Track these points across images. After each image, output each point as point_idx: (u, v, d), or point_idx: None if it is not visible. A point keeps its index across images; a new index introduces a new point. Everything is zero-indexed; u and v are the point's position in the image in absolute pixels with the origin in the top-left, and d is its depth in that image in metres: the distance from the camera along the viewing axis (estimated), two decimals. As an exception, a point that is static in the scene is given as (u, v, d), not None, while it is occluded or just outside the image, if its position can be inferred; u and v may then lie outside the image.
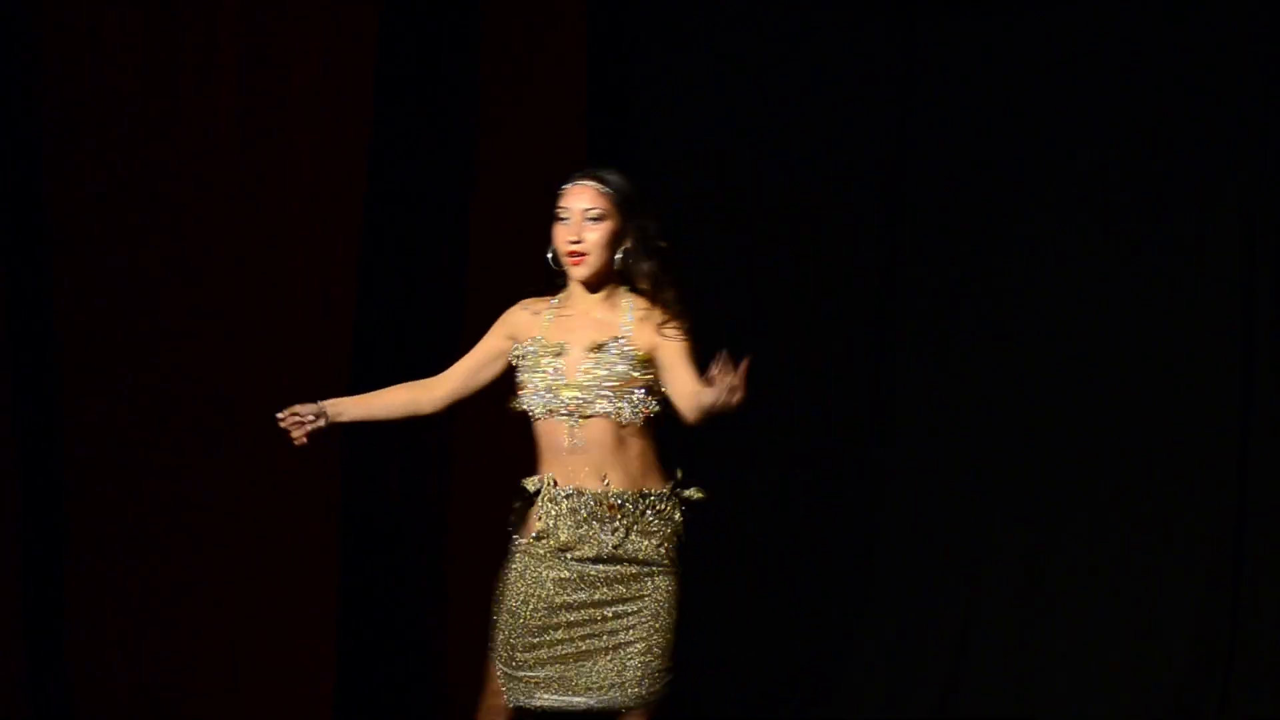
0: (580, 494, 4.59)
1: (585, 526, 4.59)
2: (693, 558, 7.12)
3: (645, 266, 4.61)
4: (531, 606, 4.64)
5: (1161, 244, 6.90)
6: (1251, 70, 6.79)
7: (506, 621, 4.69)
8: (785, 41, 7.25)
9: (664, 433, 7.06)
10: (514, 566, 4.70)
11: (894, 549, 7.22)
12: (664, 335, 4.59)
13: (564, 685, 4.62)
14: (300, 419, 4.74)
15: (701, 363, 4.54)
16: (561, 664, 4.61)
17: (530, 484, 4.68)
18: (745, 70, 7.27)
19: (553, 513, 4.62)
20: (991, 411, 7.11)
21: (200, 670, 6.37)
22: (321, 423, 4.75)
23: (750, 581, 7.24)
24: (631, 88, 7.29)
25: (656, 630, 4.60)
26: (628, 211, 4.61)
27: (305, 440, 4.74)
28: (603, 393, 4.56)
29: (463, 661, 6.88)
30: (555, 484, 4.62)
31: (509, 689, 4.69)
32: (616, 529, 4.57)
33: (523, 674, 4.65)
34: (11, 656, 6.04)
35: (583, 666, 4.60)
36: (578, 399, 4.57)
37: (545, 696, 4.63)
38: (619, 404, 4.56)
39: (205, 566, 6.37)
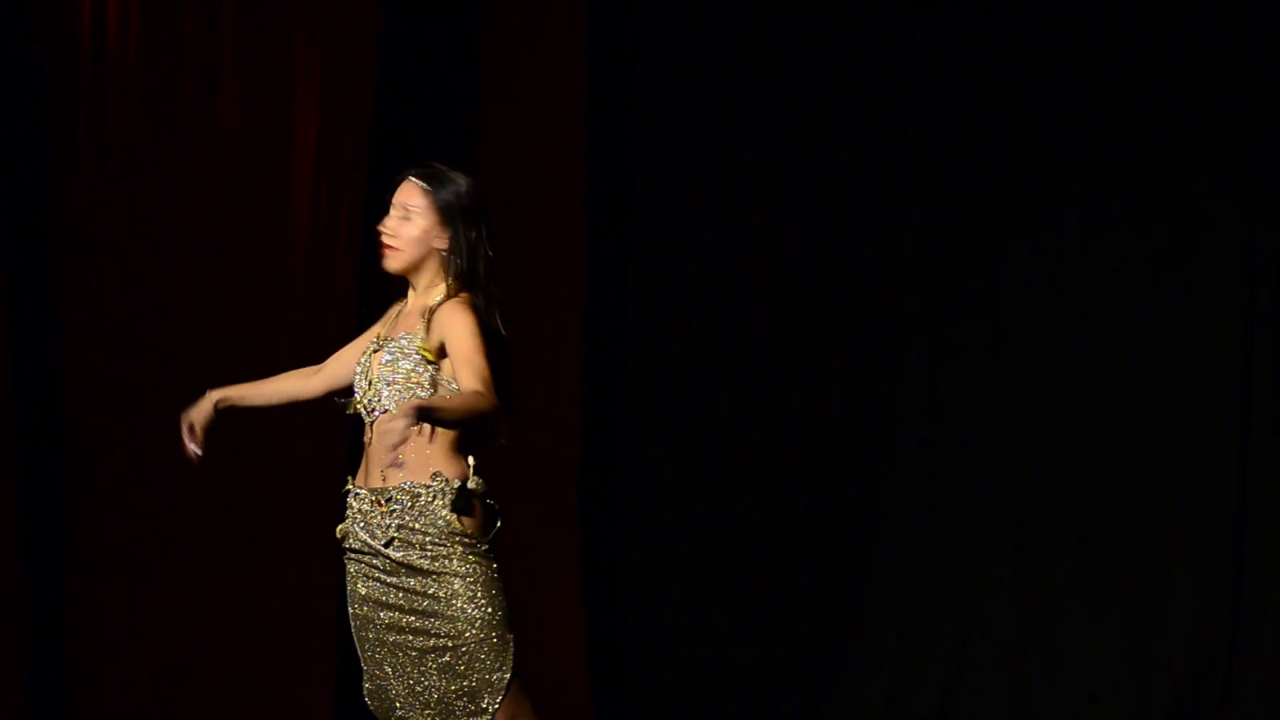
0: (359, 494, 4.54)
1: (363, 522, 4.52)
2: (695, 560, 7.21)
3: (457, 268, 4.53)
4: (357, 624, 4.59)
5: (1162, 250, 6.89)
6: (1254, 73, 6.79)
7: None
8: (787, 43, 7.25)
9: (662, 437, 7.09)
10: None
11: (895, 551, 7.22)
12: (449, 328, 4.47)
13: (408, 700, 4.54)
14: (189, 435, 4.66)
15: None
16: (399, 680, 4.51)
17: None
18: (747, 72, 7.27)
19: (347, 514, 4.57)
20: (992, 414, 7.11)
21: (199, 670, 6.38)
22: (202, 419, 4.67)
23: (751, 583, 7.25)
24: (632, 90, 7.29)
25: (464, 634, 4.46)
26: (450, 213, 4.54)
27: (198, 451, 4.67)
28: (387, 389, 4.48)
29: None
30: (349, 488, 4.58)
31: (372, 705, 4.61)
32: (387, 526, 4.47)
33: (378, 690, 4.57)
34: (12, 656, 6.04)
35: (412, 675, 4.50)
36: (369, 395, 4.54)
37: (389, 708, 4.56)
38: (399, 400, 4.46)
39: (205, 567, 6.37)
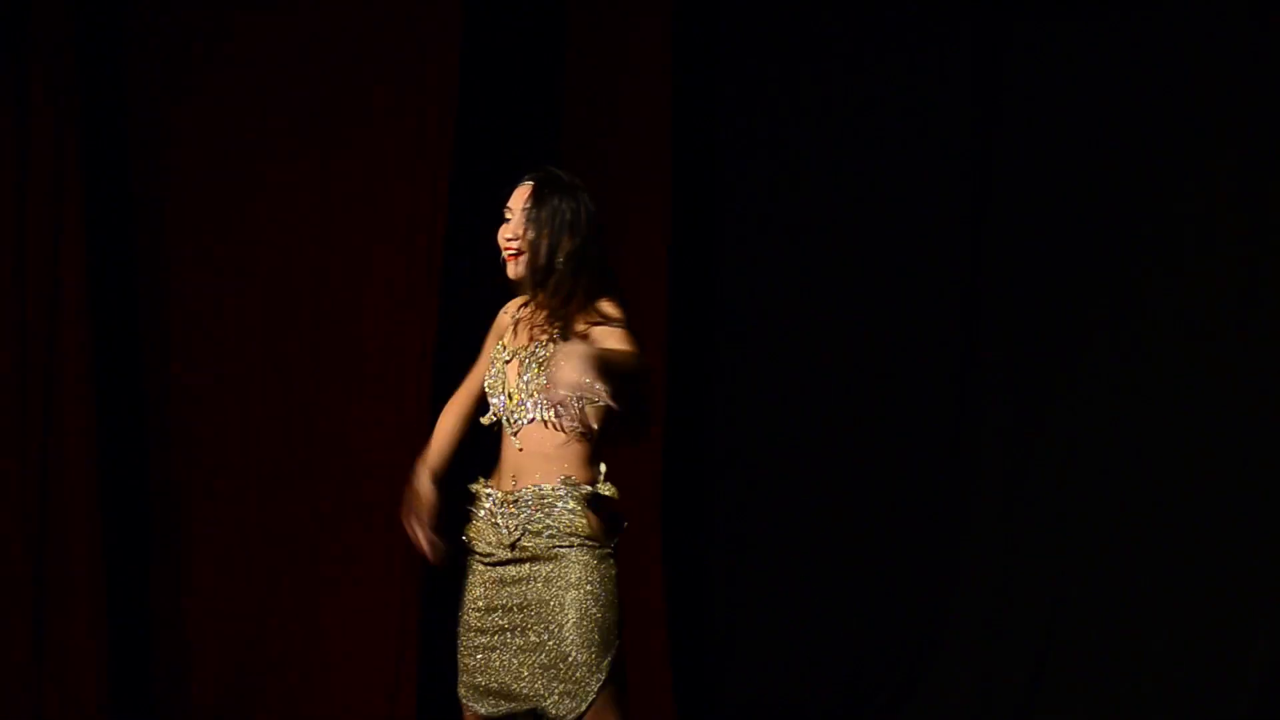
0: (490, 496, 4.54)
1: (491, 527, 4.52)
2: (778, 562, 7.19)
3: (581, 273, 4.49)
4: (472, 619, 4.58)
5: (1258, 264, 6.81)
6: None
7: (460, 637, 4.63)
8: (872, 57, 7.22)
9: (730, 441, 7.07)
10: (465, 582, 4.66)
11: (977, 555, 7.17)
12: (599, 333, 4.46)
13: (513, 697, 4.52)
14: (424, 535, 4.58)
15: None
16: (506, 677, 4.51)
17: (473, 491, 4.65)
18: (829, 85, 7.24)
19: (474, 517, 4.58)
20: (1076, 421, 7.06)
21: (282, 662, 6.40)
22: (428, 513, 4.58)
23: (833, 586, 7.23)
24: (717, 98, 7.29)
25: (565, 635, 4.45)
26: (569, 219, 4.50)
27: (437, 546, 4.58)
28: (531, 402, 4.48)
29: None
30: (476, 493, 4.59)
31: (469, 704, 4.61)
32: (516, 525, 4.48)
33: (476, 685, 4.57)
34: (94, 649, 6.08)
35: (509, 671, 4.51)
36: (511, 408, 4.51)
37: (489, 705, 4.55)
38: (543, 415, 4.48)
39: (288, 559, 6.40)
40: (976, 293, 7.23)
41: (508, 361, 4.52)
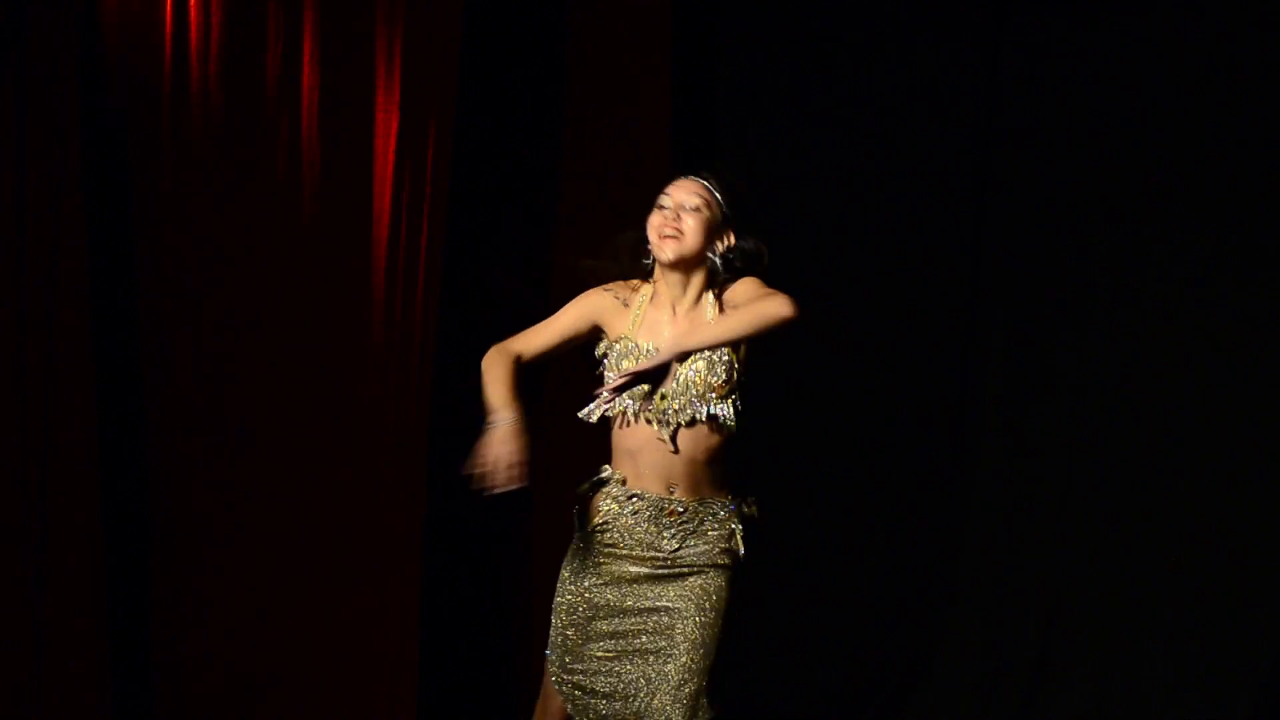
0: (644, 497, 4.54)
1: (643, 529, 4.55)
2: (776, 564, 7.17)
3: (731, 270, 4.57)
4: (583, 606, 4.62)
5: (1262, 256, 6.81)
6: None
7: (561, 620, 4.64)
8: (871, 47, 7.21)
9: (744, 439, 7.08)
10: (570, 564, 4.66)
11: (977, 556, 7.18)
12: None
13: (611, 695, 4.57)
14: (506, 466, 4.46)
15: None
16: (609, 668, 4.56)
17: (596, 481, 4.65)
18: (830, 78, 7.24)
19: (614, 510, 4.58)
20: (1076, 419, 7.06)
21: (283, 672, 6.39)
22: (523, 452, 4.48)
23: (833, 588, 7.22)
24: (716, 100, 7.28)
25: (695, 644, 4.53)
26: (733, 218, 4.58)
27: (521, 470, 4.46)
28: (692, 403, 4.51)
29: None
30: (624, 483, 4.58)
31: (562, 691, 4.63)
32: (675, 534, 4.53)
33: (574, 676, 4.60)
34: (95, 658, 6.06)
35: (627, 672, 4.55)
36: (662, 406, 4.51)
37: (594, 703, 4.58)
38: (711, 411, 4.51)
39: (289, 568, 6.39)
40: (977, 292, 7.23)
41: (645, 357, 4.50)
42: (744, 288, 4.52)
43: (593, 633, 4.58)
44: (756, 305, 4.35)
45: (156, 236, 6.26)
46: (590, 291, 4.65)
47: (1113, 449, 7.01)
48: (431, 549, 6.56)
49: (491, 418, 4.46)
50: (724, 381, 4.52)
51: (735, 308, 4.45)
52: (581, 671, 4.59)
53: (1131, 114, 6.97)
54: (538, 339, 4.62)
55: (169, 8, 6.23)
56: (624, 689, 4.53)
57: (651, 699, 4.50)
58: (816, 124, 7.22)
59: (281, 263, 6.39)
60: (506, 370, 4.54)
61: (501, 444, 4.40)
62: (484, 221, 6.81)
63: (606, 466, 4.64)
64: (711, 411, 4.49)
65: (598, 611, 4.58)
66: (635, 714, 4.52)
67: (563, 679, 4.62)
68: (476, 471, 4.42)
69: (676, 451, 4.49)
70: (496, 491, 4.42)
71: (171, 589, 6.30)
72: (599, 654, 4.56)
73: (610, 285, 4.65)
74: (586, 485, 4.66)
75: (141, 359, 6.27)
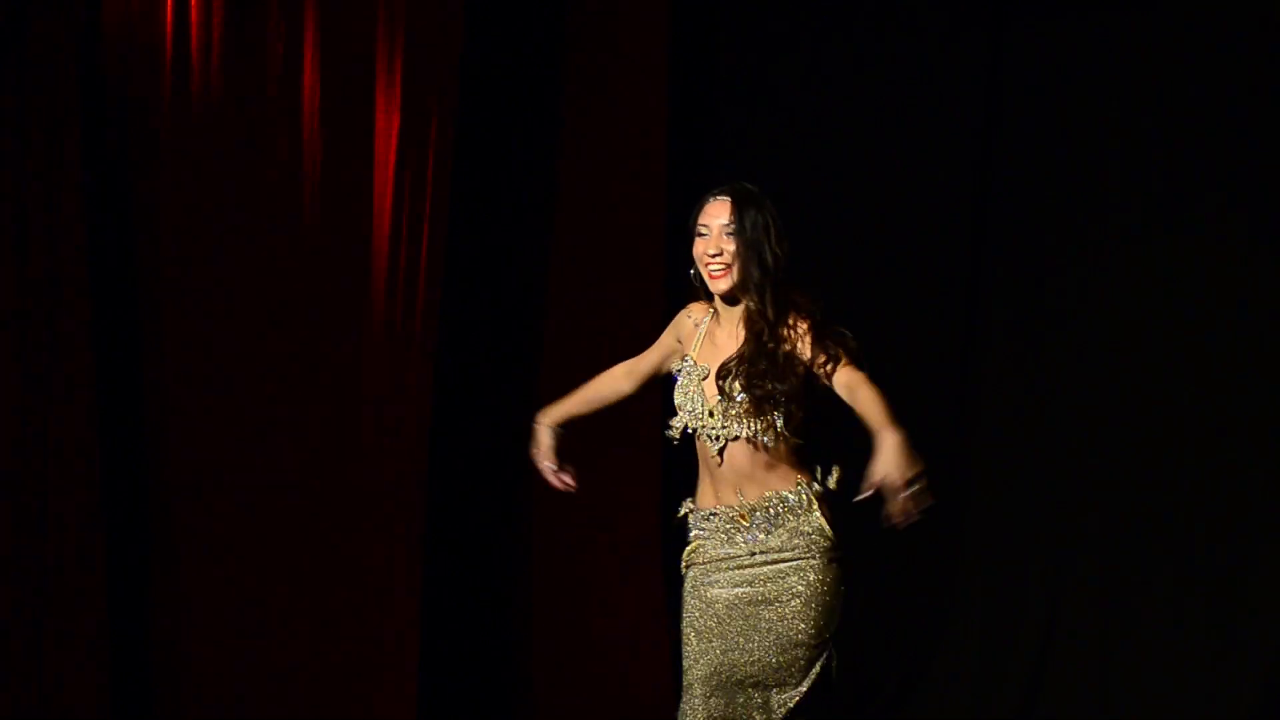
0: (718, 513, 4.70)
1: (725, 537, 4.70)
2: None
3: (774, 284, 4.65)
4: (703, 623, 4.73)
5: (1255, 244, 6.83)
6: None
7: (693, 650, 4.76)
8: (870, 41, 7.21)
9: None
10: (684, 595, 4.81)
11: (979, 547, 7.19)
12: (819, 357, 4.64)
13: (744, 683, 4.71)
14: (552, 470, 4.87)
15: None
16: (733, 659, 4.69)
17: (682, 516, 4.84)
18: (831, 76, 7.24)
19: (699, 533, 4.76)
20: (1076, 405, 7.06)
21: (282, 673, 6.38)
22: (551, 452, 4.87)
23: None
24: (714, 92, 7.27)
25: (802, 618, 4.68)
26: (756, 229, 4.64)
27: (567, 479, 4.87)
28: (736, 420, 4.62)
29: (545, 666, 6.89)
30: (694, 508, 4.76)
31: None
32: (752, 532, 4.66)
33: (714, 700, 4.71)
34: (95, 659, 6.06)
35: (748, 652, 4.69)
36: (716, 425, 4.64)
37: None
38: (755, 425, 4.61)
39: (288, 570, 6.38)
40: (977, 290, 7.23)
41: (704, 379, 4.66)
42: (805, 335, 4.64)
43: (720, 645, 4.71)
44: (874, 397, 4.58)
45: (156, 236, 6.25)
46: (680, 313, 4.84)
47: (1113, 448, 7.01)
48: (431, 549, 6.55)
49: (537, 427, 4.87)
50: (755, 408, 4.62)
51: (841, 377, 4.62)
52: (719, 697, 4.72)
53: (1131, 111, 6.99)
54: (646, 359, 4.89)
55: (170, 8, 6.22)
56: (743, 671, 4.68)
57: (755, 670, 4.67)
58: (816, 123, 7.23)
59: (282, 263, 6.38)
60: (586, 388, 4.92)
61: (534, 449, 4.86)
62: (484, 221, 6.80)
63: (689, 501, 4.81)
64: (749, 433, 4.62)
65: (717, 625, 4.71)
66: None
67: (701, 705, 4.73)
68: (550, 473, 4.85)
69: (721, 464, 4.65)
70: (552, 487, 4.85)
71: (171, 589, 6.29)
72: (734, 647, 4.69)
73: (692, 307, 4.81)
74: (676, 520, 4.88)
75: (141, 359, 6.26)
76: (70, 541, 6.01)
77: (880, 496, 4.48)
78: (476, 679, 6.83)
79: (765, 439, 4.61)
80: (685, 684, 4.72)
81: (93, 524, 6.04)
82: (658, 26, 6.94)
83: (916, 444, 7.11)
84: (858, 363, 4.64)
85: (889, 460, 4.46)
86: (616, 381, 4.92)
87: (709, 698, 4.67)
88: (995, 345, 7.23)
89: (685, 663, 4.73)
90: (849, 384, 4.59)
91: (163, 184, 6.25)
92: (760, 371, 4.57)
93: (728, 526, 4.68)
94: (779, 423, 4.61)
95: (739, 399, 4.58)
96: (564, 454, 4.84)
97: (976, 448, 7.22)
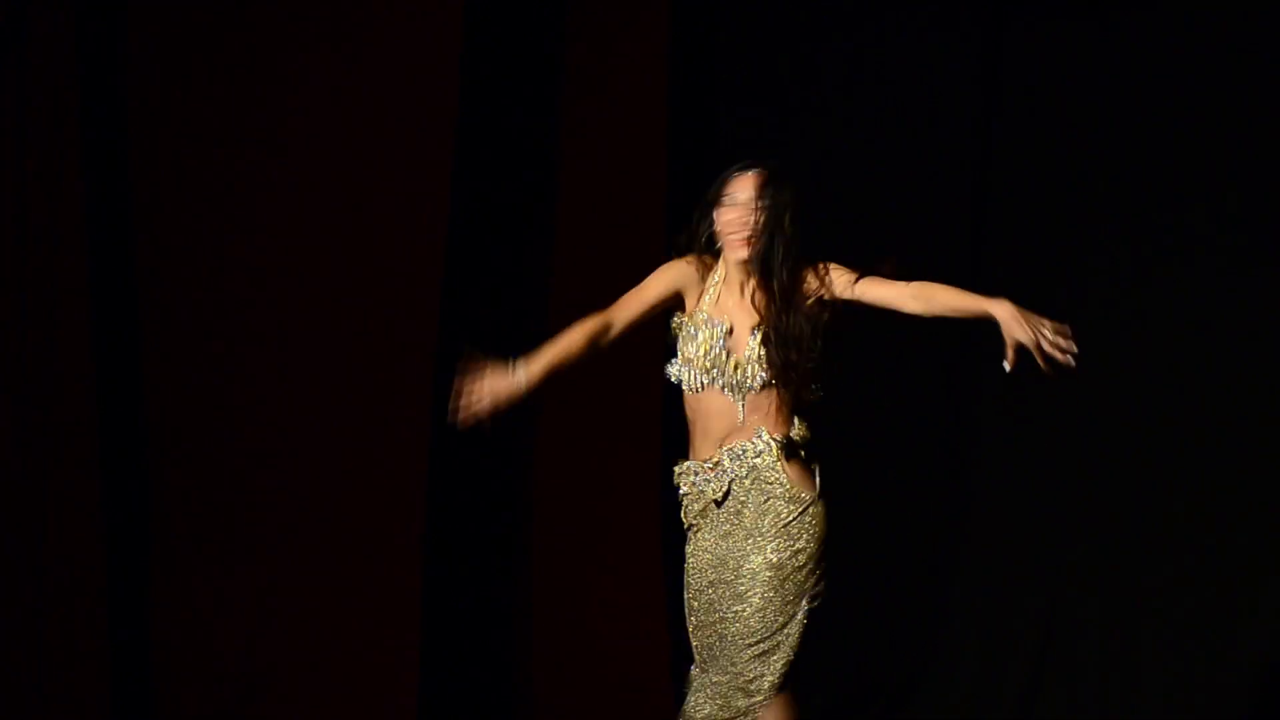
0: (701, 465, 4.85)
1: (705, 486, 4.86)
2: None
3: (791, 254, 4.82)
4: (698, 573, 4.89)
5: (1257, 248, 6.83)
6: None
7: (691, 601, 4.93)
8: (869, 44, 7.21)
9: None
10: (687, 546, 4.96)
11: (977, 552, 7.18)
12: (824, 288, 4.86)
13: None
14: (478, 403, 4.63)
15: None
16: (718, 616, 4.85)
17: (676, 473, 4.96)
18: (829, 72, 7.24)
19: (686, 489, 4.91)
20: (1079, 406, 7.06)
21: (283, 670, 6.38)
22: (505, 396, 4.65)
23: (833, 584, 7.19)
24: (714, 90, 7.27)
25: (784, 559, 4.85)
26: (779, 202, 4.83)
27: (480, 420, 4.65)
28: (760, 369, 4.80)
29: (545, 666, 6.89)
30: (687, 466, 4.89)
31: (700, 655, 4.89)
32: (718, 487, 4.83)
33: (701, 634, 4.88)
34: (95, 656, 6.06)
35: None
36: (737, 374, 4.79)
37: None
38: (778, 379, 4.82)
39: (289, 567, 6.38)
40: (977, 289, 7.22)
41: (729, 332, 4.80)
42: (840, 274, 4.90)
43: (708, 590, 4.87)
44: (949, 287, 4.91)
45: (156, 236, 6.25)
46: (675, 261, 4.91)
47: (1113, 448, 7.01)
48: (431, 550, 6.55)
49: (515, 362, 4.67)
50: (799, 359, 4.84)
51: (863, 285, 4.90)
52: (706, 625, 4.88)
53: (1132, 111, 6.99)
54: (629, 306, 4.85)
55: (170, 7, 6.22)
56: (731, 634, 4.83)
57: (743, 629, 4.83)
58: (816, 124, 7.22)
59: (282, 263, 6.38)
60: (569, 336, 4.76)
61: (494, 380, 4.61)
62: (484, 221, 6.80)
63: (681, 461, 4.94)
64: (777, 381, 4.81)
65: (704, 568, 4.87)
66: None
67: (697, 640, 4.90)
68: (461, 392, 4.60)
69: (744, 413, 4.81)
70: (456, 420, 4.60)
71: (171, 589, 6.29)
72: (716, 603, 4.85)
73: (691, 258, 4.90)
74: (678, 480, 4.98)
75: (141, 359, 6.26)
76: (70, 541, 6.01)
77: (1028, 358, 4.74)
78: (476, 679, 6.83)
79: (782, 385, 4.81)
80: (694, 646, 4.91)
81: (93, 524, 6.04)
82: (658, 25, 6.94)
83: (916, 444, 7.18)
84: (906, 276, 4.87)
85: (1015, 324, 4.81)
86: (596, 336, 4.79)
87: (707, 660, 4.83)
88: (995, 345, 7.22)
89: (689, 626, 4.92)
90: (915, 293, 4.96)
91: (162, 182, 6.25)
92: (789, 338, 4.79)
93: (698, 479, 4.86)
94: (804, 379, 4.84)
95: (770, 353, 4.78)
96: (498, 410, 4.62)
97: (976, 448, 7.22)
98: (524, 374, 4.66)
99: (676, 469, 4.93)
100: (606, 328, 4.80)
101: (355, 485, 6.43)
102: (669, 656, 6.93)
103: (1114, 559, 7.01)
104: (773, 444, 4.80)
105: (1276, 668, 6.79)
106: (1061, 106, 7.08)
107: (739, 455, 4.81)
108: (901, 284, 4.94)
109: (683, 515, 4.95)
